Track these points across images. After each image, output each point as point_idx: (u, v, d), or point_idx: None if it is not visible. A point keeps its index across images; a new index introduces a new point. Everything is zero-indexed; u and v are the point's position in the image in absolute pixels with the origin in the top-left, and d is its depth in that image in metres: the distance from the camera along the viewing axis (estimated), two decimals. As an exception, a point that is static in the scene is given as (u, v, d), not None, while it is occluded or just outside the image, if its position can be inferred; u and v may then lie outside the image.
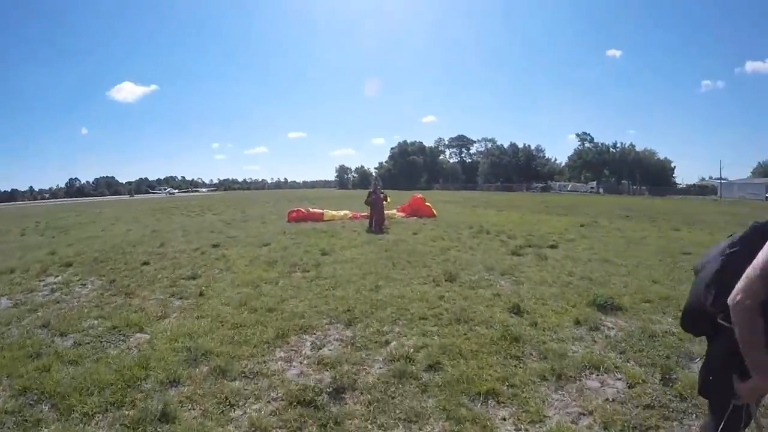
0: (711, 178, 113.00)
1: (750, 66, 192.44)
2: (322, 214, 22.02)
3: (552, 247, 12.69)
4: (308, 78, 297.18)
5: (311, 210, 22.63)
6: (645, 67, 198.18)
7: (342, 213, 22.83)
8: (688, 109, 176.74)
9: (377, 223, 16.80)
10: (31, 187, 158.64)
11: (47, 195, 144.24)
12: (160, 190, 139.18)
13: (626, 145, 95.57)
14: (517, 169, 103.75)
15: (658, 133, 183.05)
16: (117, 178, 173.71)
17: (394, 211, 22.66)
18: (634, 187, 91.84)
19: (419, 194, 25.87)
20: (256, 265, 10.21)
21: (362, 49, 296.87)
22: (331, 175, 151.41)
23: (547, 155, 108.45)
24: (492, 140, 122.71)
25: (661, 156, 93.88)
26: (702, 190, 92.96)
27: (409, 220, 21.24)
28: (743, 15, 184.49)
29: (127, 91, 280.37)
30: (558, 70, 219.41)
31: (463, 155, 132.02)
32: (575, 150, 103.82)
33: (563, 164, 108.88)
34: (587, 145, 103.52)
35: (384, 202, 17.69)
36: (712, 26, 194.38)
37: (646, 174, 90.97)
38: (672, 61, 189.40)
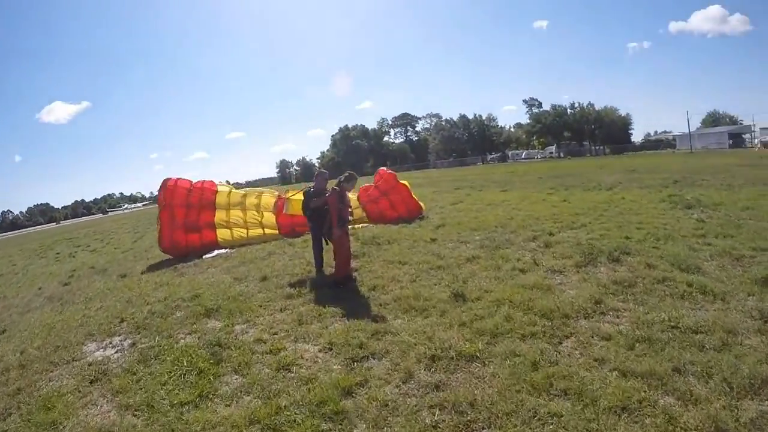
0: (656, 132, 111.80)
1: (673, 26, 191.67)
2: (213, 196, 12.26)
3: None
4: (239, 77, 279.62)
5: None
6: (571, 35, 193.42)
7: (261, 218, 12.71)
8: (619, 71, 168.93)
9: (339, 262, 7.10)
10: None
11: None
12: (117, 208, 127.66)
13: (585, 105, 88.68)
14: (471, 142, 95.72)
15: (591, 96, 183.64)
16: (52, 204, 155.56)
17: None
18: (597, 147, 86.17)
19: (386, 169, 14.53)
20: None
21: (289, 41, 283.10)
22: (273, 172, 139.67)
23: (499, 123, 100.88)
24: (437, 115, 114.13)
25: (623, 113, 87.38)
26: (657, 144, 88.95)
27: (378, 227, 11.96)
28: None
29: (59, 111, 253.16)
30: (487, 45, 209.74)
31: (408, 134, 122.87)
32: (530, 115, 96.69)
33: (514, 131, 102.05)
34: (535, 110, 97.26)
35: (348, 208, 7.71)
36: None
37: (607, 133, 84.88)
38: (596, 27, 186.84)
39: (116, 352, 5.57)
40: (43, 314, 8.20)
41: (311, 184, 8.45)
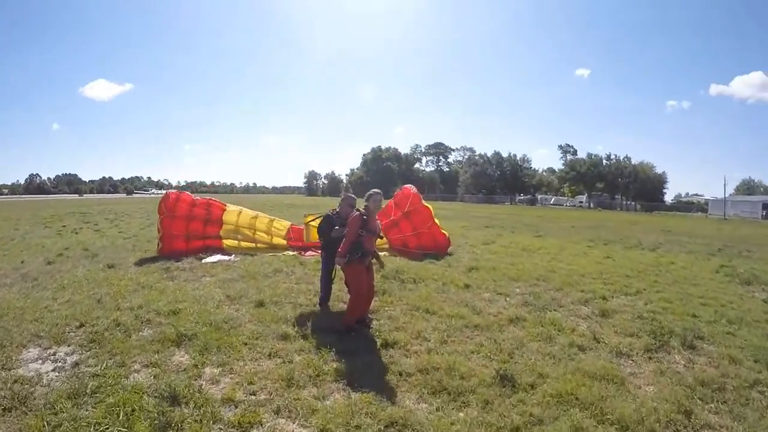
0: (688, 194, 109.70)
1: (714, 89, 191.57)
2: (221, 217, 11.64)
3: None
4: (283, 83, 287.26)
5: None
6: (612, 87, 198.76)
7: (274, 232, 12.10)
8: (656, 127, 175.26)
9: (350, 303, 5.73)
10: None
11: (6, 191, 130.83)
12: (145, 191, 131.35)
13: (621, 158, 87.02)
14: (502, 180, 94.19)
15: (625, 148, 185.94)
16: (80, 176, 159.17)
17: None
18: (628, 202, 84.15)
19: (412, 188, 13.12)
20: None
21: (335, 59, 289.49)
22: (301, 182, 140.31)
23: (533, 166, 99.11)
24: (471, 149, 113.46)
25: (659, 170, 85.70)
26: (689, 206, 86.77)
27: (402, 259, 10.58)
28: (706, 40, 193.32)
29: (102, 89, 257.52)
30: (527, 86, 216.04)
31: (440, 163, 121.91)
32: (564, 161, 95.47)
33: (546, 175, 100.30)
34: (570, 157, 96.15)
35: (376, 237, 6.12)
36: (677, 49, 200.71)
37: (640, 189, 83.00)
38: (638, 81, 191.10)
39: (54, 370, 4.35)
40: (8, 296, 7.08)
41: (335, 204, 7.08)
